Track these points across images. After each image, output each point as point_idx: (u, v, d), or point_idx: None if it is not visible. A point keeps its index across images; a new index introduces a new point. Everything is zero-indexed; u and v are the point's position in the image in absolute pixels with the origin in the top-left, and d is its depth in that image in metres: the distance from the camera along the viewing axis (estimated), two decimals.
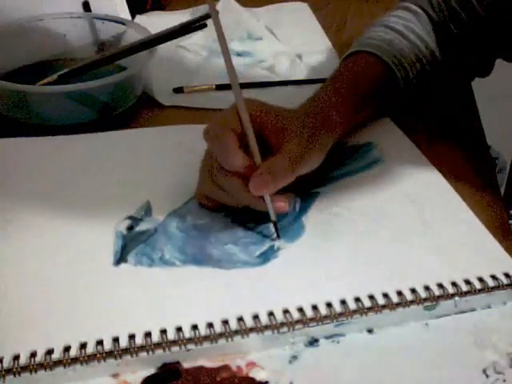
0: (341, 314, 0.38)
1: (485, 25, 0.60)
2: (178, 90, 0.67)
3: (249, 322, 0.38)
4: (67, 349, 0.36)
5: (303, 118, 0.47)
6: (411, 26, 0.61)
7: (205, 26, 0.65)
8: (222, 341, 0.37)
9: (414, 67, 0.60)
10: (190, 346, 0.36)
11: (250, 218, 0.46)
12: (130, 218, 0.47)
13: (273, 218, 0.45)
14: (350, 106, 0.53)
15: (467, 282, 0.41)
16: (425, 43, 0.61)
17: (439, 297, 0.40)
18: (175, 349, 0.36)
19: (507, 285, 0.41)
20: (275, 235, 0.45)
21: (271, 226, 0.46)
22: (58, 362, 0.35)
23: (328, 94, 0.53)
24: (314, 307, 0.39)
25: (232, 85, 0.41)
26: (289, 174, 0.43)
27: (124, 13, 0.78)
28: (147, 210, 0.48)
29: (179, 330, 0.37)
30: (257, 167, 0.42)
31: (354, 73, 0.57)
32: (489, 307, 0.41)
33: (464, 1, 0.60)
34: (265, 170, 0.42)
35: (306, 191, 0.50)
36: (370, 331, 0.39)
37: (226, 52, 0.39)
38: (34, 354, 0.35)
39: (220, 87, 0.67)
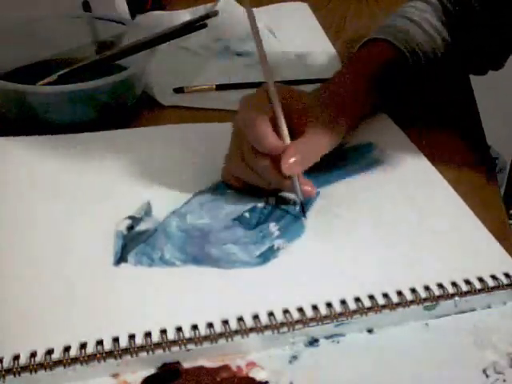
0: (341, 314, 0.38)
1: (498, 16, 0.61)
2: (179, 90, 0.67)
3: (249, 322, 0.38)
4: (67, 349, 0.36)
5: (322, 101, 0.51)
6: (427, 17, 0.63)
7: (205, 25, 0.65)
8: (221, 341, 0.37)
9: (427, 56, 0.61)
10: (190, 346, 0.36)
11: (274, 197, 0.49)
12: (130, 217, 0.47)
13: (300, 197, 0.47)
14: (364, 93, 0.56)
15: (467, 281, 0.41)
16: (440, 34, 0.63)
17: (439, 297, 0.40)
18: (175, 349, 0.36)
19: (507, 285, 0.41)
20: (302, 214, 0.47)
21: (272, 225, 0.46)
22: (58, 362, 0.35)
23: (344, 80, 0.57)
24: (314, 307, 0.39)
25: (263, 70, 0.46)
26: (313, 157, 0.47)
27: (124, 13, 0.78)
28: (147, 210, 0.48)
29: (179, 330, 0.37)
30: (286, 149, 0.45)
31: (367, 59, 0.60)
32: (489, 307, 0.41)
33: None
34: (294, 151, 0.45)
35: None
36: (370, 331, 0.39)
37: (257, 36, 0.47)
38: (34, 354, 0.35)
39: (220, 87, 0.67)
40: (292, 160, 0.44)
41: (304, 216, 0.47)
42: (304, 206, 0.47)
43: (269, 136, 0.45)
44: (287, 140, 0.46)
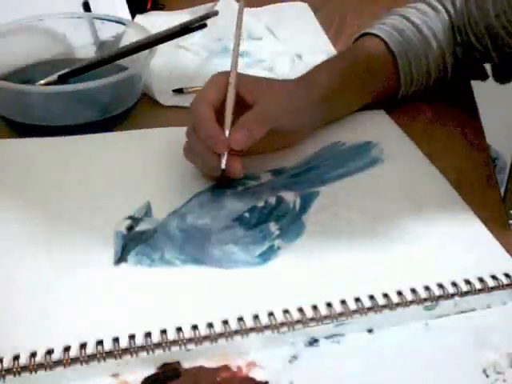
0: (341, 314, 0.38)
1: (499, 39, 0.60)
2: (178, 91, 0.67)
3: (249, 322, 0.38)
4: (67, 349, 0.36)
5: (284, 82, 0.51)
6: (427, 21, 0.61)
7: (205, 25, 0.65)
8: (221, 341, 0.37)
9: (419, 61, 0.60)
10: (190, 346, 0.36)
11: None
12: (130, 217, 0.47)
13: (222, 165, 0.46)
14: (338, 71, 0.55)
15: (467, 281, 0.41)
16: (437, 41, 0.61)
17: (439, 297, 0.40)
18: (175, 349, 0.36)
19: (507, 285, 0.41)
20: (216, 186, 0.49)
21: (271, 225, 0.46)
22: (58, 362, 0.35)
23: (320, 65, 0.57)
24: (314, 307, 0.39)
25: (232, 56, 0.50)
26: (261, 127, 0.46)
27: (124, 13, 0.78)
28: (147, 210, 0.48)
29: (179, 330, 0.37)
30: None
31: (354, 49, 0.60)
32: (489, 307, 0.41)
33: (483, 12, 0.59)
34: (240, 125, 0.46)
35: (305, 192, 0.50)
36: (370, 331, 0.39)
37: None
38: (34, 354, 0.35)
39: None
40: (238, 134, 0.45)
41: (217, 187, 0.49)
42: (223, 178, 0.47)
43: (208, 124, 0.46)
44: (227, 128, 0.46)
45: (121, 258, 0.43)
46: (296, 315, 0.38)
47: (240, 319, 0.38)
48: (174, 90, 0.66)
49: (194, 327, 0.37)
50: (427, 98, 0.64)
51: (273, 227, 0.46)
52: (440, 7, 0.62)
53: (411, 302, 0.39)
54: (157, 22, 0.77)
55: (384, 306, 0.39)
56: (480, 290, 0.40)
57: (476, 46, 0.61)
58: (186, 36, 0.66)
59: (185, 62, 0.74)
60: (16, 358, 0.35)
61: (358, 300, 0.39)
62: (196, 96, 0.49)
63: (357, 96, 0.58)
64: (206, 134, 0.46)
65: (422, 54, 0.60)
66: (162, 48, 0.64)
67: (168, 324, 0.37)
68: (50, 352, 0.35)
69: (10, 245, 0.44)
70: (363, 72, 0.57)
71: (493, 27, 0.59)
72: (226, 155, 0.46)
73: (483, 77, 0.66)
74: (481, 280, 0.41)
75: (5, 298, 0.40)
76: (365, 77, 0.58)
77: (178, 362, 0.37)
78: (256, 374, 0.36)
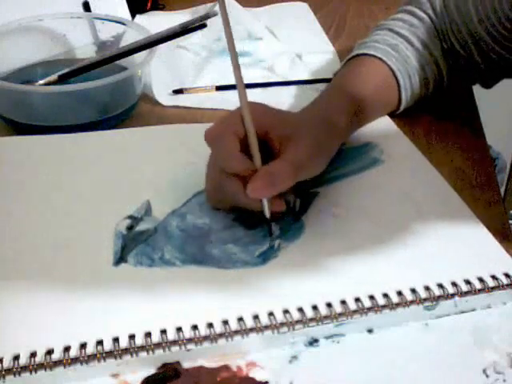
0: (341, 314, 0.38)
1: (485, 47, 0.59)
2: (178, 92, 0.67)
3: (249, 322, 0.38)
4: (67, 349, 0.36)
5: (308, 124, 0.47)
6: (416, 32, 0.61)
7: (205, 26, 0.65)
8: (221, 341, 0.37)
9: (417, 74, 0.60)
10: (190, 346, 0.36)
11: (253, 218, 0.46)
12: (130, 217, 0.47)
13: (267, 214, 0.44)
14: (354, 111, 0.52)
15: (467, 281, 0.41)
16: (429, 50, 0.60)
17: (439, 297, 0.40)
18: (175, 349, 0.36)
19: (507, 285, 0.41)
20: (268, 235, 0.45)
21: (272, 225, 0.46)
22: (58, 362, 0.35)
23: (332, 99, 0.53)
24: (314, 307, 0.39)
25: (237, 86, 0.42)
26: (288, 180, 0.42)
27: (124, 13, 0.78)
28: (147, 210, 0.48)
29: (179, 329, 0.37)
30: (256, 172, 0.42)
31: (357, 76, 0.57)
32: (489, 307, 0.41)
33: (464, 17, 0.59)
34: (264, 174, 0.42)
35: (305, 192, 0.50)
36: (370, 331, 0.39)
37: (233, 51, 0.41)
38: (34, 354, 0.35)
39: (220, 88, 0.67)
40: (260, 183, 0.41)
41: (270, 236, 0.45)
42: (271, 227, 0.45)
43: (234, 155, 0.42)
44: (258, 161, 0.43)
45: (121, 258, 0.43)
46: (296, 315, 0.38)
47: (240, 319, 0.38)
48: (174, 91, 0.66)
49: (194, 327, 0.37)
50: (426, 98, 0.64)
51: (273, 227, 0.46)
52: (423, 15, 0.62)
53: (411, 302, 0.39)
54: (157, 21, 0.77)
55: (384, 306, 0.39)
56: (480, 290, 0.40)
57: (460, 52, 0.61)
58: (186, 36, 0.66)
59: (185, 62, 0.74)
60: (16, 357, 0.35)
61: (357, 300, 0.39)
62: (221, 125, 0.44)
63: (363, 125, 0.56)
64: (235, 170, 0.42)
65: (418, 67, 0.60)
66: (161, 48, 0.64)
67: (168, 324, 0.37)
68: (49, 352, 0.35)
69: (10, 244, 0.44)
70: (372, 102, 0.56)
71: (476, 32, 0.58)
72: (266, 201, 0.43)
73: (474, 82, 0.66)
74: (481, 280, 0.41)
75: (5, 298, 0.40)
76: (373, 106, 0.56)
77: (178, 362, 0.37)
78: (256, 374, 0.36)
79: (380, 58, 0.58)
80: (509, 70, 0.60)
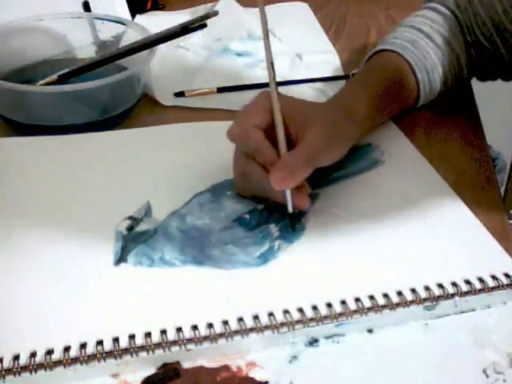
0: (341, 314, 0.38)
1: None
2: (180, 95, 0.66)
3: (249, 322, 0.38)
4: (67, 349, 0.36)
5: (327, 112, 0.48)
6: (438, 28, 0.61)
7: (205, 25, 0.65)
8: (221, 341, 0.37)
9: (436, 70, 0.60)
10: (190, 346, 0.36)
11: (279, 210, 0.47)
12: (130, 218, 0.47)
13: (290, 210, 0.45)
14: (374, 102, 0.54)
15: (467, 281, 0.41)
16: (451, 46, 0.61)
17: (439, 297, 0.40)
18: (175, 349, 0.36)
19: (507, 285, 0.41)
20: (290, 228, 0.46)
21: (271, 226, 0.46)
22: (58, 362, 0.35)
23: (353, 90, 0.55)
24: (314, 307, 0.39)
25: (269, 78, 0.45)
26: (305, 168, 0.43)
27: (124, 13, 0.78)
28: (147, 211, 0.48)
29: (179, 330, 0.37)
30: (276, 162, 0.43)
31: (375, 70, 0.59)
32: (489, 307, 0.41)
33: (489, 9, 0.59)
34: (281, 165, 0.43)
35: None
36: (370, 331, 0.39)
37: (267, 44, 0.46)
38: (34, 354, 0.35)
39: (222, 90, 0.67)
40: (280, 174, 0.42)
41: (293, 230, 0.45)
42: (293, 219, 0.45)
43: (267, 148, 0.44)
44: (283, 150, 0.44)
45: (121, 258, 0.43)
46: (296, 315, 0.38)
47: (240, 319, 0.38)
48: (175, 94, 0.66)
49: (194, 327, 0.37)
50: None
51: (273, 228, 0.46)
52: (446, 11, 0.62)
53: (411, 302, 0.39)
54: (157, 22, 0.77)
55: (384, 306, 0.39)
56: (480, 290, 0.40)
57: (485, 45, 0.61)
58: (186, 36, 0.66)
59: (185, 62, 0.74)
60: (16, 357, 0.35)
61: (357, 300, 0.39)
62: (243, 120, 0.45)
63: (383, 118, 0.58)
64: (266, 162, 0.44)
65: (438, 63, 0.60)
66: (161, 48, 0.64)
67: (168, 324, 0.37)
68: (50, 352, 0.35)
69: (10, 245, 0.44)
70: (390, 95, 0.57)
71: (501, 23, 0.59)
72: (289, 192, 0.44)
73: (495, 76, 0.66)
74: (481, 280, 0.41)
75: (5, 298, 0.40)
76: (392, 99, 0.57)
77: (178, 362, 0.37)
78: (256, 374, 0.36)
79: (398, 53, 0.59)
80: None
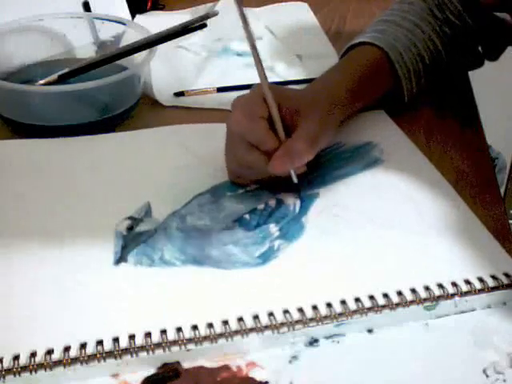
0: (341, 314, 0.38)
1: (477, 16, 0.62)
2: (179, 95, 0.66)
3: (249, 322, 0.38)
4: (67, 349, 0.36)
5: (314, 98, 0.51)
6: (405, 15, 0.63)
7: (205, 25, 0.65)
8: (221, 341, 0.37)
9: (409, 51, 0.61)
10: (190, 346, 0.36)
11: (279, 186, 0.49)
12: (130, 218, 0.47)
13: (295, 180, 0.48)
14: (352, 86, 0.56)
15: (467, 281, 0.41)
16: (420, 28, 0.62)
17: (439, 297, 0.40)
18: (175, 349, 0.36)
19: (507, 285, 0.41)
20: (297, 195, 0.49)
21: (272, 226, 0.46)
22: (58, 362, 0.35)
23: (331, 77, 0.58)
24: (314, 307, 0.39)
25: (258, 71, 0.47)
26: (307, 155, 0.46)
27: (124, 13, 0.78)
28: (147, 211, 0.48)
29: (179, 330, 0.37)
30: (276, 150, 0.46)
31: (349, 59, 0.61)
32: (489, 307, 0.41)
33: None
34: (284, 152, 0.45)
35: (305, 193, 0.50)
36: (370, 331, 0.39)
37: (251, 40, 0.47)
38: (34, 354, 0.35)
39: (221, 90, 0.67)
40: (281, 161, 0.45)
41: (299, 197, 0.49)
42: (299, 187, 0.49)
43: (270, 138, 0.46)
44: (282, 137, 0.47)
45: (121, 258, 0.43)
46: (296, 315, 0.38)
47: (240, 319, 0.38)
48: (175, 94, 0.66)
49: (194, 327, 0.37)
50: (427, 98, 0.64)
51: (273, 228, 0.46)
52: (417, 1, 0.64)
53: (411, 302, 0.39)
54: (157, 22, 0.76)
55: (384, 306, 0.39)
56: (480, 290, 0.40)
57: (455, 23, 0.63)
58: (186, 36, 0.66)
59: (185, 63, 0.74)
60: (16, 357, 0.35)
61: (357, 300, 0.39)
62: (247, 111, 0.47)
63: (365, 101, 0.59)
64: (272, 148, 0.46)
65: (409, 43, 0.61)
66: (161, 48, 0.64)
67: (168, 324, 0.37)
68: (50, 352, 0.35)
69: (10, 246, 0.44)
70: (368, 79, 0.59)
71: None
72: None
73: (479, 63, 0.68)
74: (481, 280, 0.41)
75: (5, 298, 0.40)
76: (371, 83, 0.59)
77: (178, 362, 0.37)
78: (256, 374, 0.36)
79: (369, 43, 0.60)
80: (502, 34, 0.64)
